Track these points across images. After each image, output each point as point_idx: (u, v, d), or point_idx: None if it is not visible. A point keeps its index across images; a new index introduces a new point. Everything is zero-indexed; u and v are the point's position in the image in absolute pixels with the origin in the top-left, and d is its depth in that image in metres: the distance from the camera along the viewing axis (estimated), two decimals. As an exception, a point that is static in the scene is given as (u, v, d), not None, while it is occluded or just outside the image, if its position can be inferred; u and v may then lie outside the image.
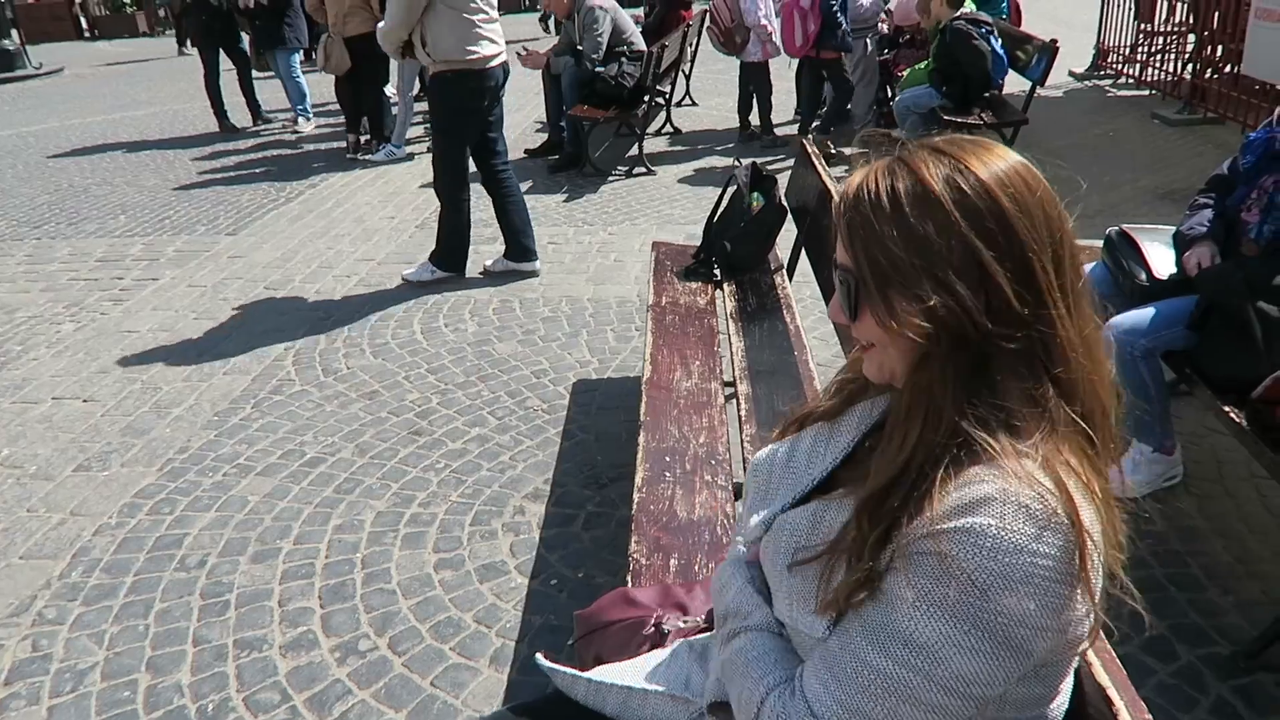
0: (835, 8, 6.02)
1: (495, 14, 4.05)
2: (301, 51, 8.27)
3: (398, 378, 3.53)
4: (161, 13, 20.53)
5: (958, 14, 5.46)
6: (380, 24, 4.21)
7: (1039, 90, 5.62)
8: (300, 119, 8.28)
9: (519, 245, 4.43)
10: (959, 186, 0.88)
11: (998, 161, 0.90)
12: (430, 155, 4.45)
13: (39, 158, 7.98)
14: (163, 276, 4.80)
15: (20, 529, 2.74)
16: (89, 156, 7.90)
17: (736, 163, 3.39)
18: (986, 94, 5.43)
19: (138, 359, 3.83)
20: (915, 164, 0.91)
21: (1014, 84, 5.79)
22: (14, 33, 14.55)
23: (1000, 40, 5.52)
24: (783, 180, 3.43)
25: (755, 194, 3.23)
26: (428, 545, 2.55)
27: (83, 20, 20.91)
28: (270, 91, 9.14)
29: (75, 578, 2.51)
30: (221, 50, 8.32)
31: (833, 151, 6.20)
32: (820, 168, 3.03)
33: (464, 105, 4.06)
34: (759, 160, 3.48)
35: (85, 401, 3.50)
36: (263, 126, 8.61)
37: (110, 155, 7.90)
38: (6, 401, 3.54)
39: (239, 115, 8.56)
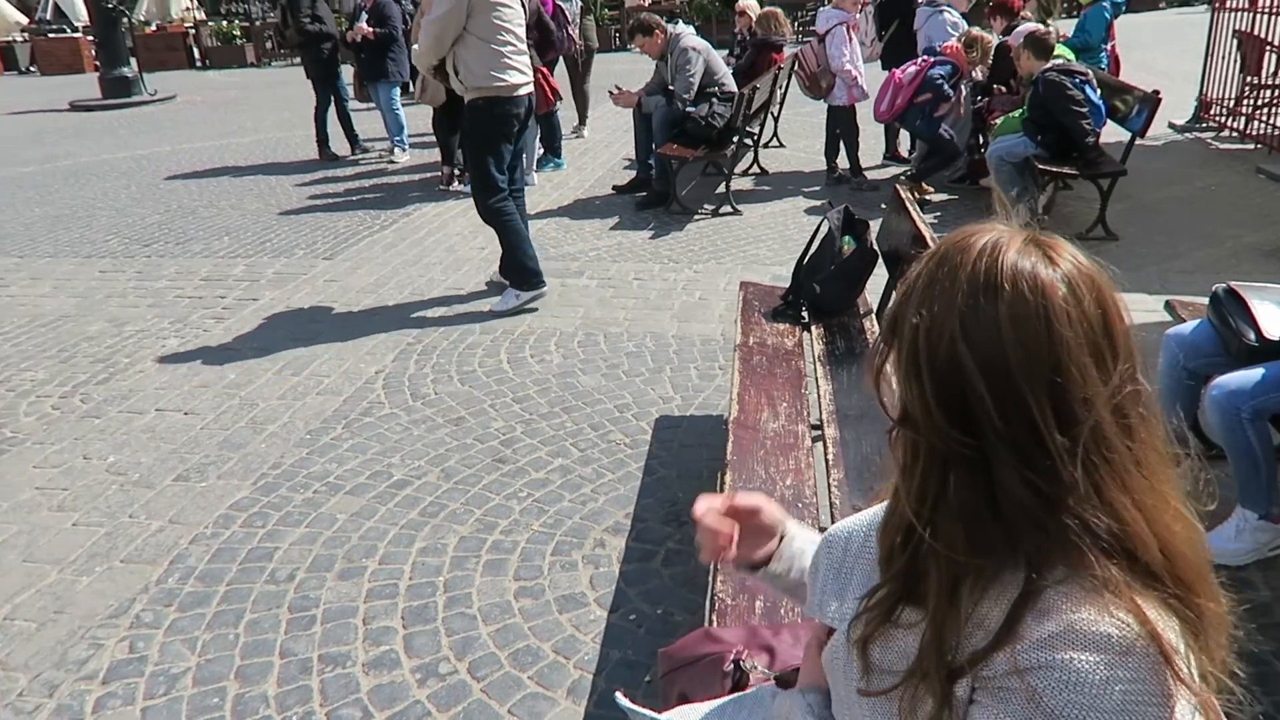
0: (938, 116, 6.01)
1: (524, 45, 4.35)
2: (401, 85, 8.57)
3: (484, 405, 3.59)
4: (269, 44, 21.47)
5: (1049, 65, 5.40)
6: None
7: (1138, 141, 5.50)
8: (397, 150, 8.55)
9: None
10: (960, 273, 0.81)
11: (1022, 258, 0.80)
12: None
13: (152, 179, 8.38)
14: (262, 297, 4.98)
15: (122, 534, 2.85)
16: (197, 180, 8.27)
17: (829, 206, 3.39)
18: (1083, 144, 5.32)
19: (236, 375, 3.97)
20: (946, 243, 0.86)
21: (1111, 134, 5.68)
22: (133, 61, 15.37)
23: (1099, 90, 5.43)
24: (874, 224, 3.42)
25: (847, 238, 3.22)
26: (509, 573, 2.57)
27: (195, 51, 21.98)
28: (369, 122, 9.47)
29: (172, 584, 2.60)
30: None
31: (928, 198, 6.14)
32: (914, 213, 3.01)
33: (496, 129, 4.33)
34: (850, 205, 3.47)
35: (186, 414, 3.64)
36: (360, 156, 8.91)
37: (217, 179, 8.26)
38: (114, 410, 3.70)
39: (338, 144, 8.88)
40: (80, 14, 20.91)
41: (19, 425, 3.63)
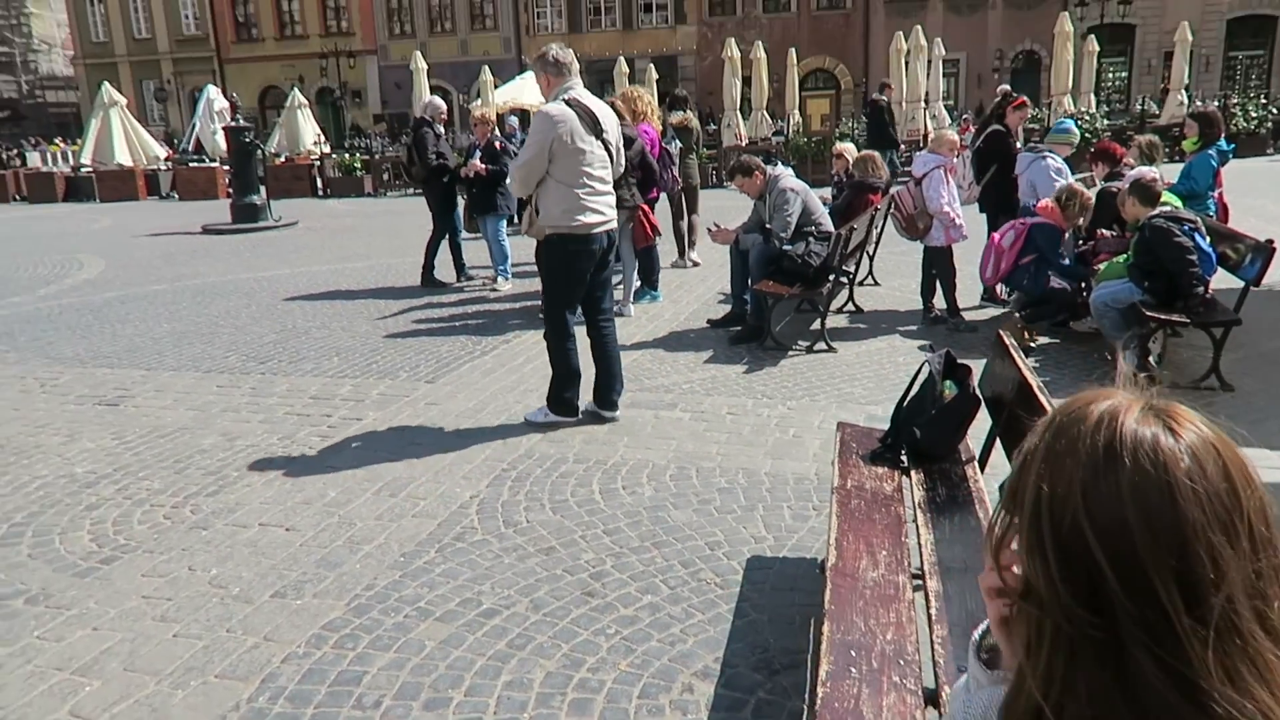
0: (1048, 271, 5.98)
1: (605, 186, 4.57)
2: (508, 217, 9.00)
3: (574, 536, 3.59)
4: (385, 175, 22.80)
5: (1156, 211, 5.34)
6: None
7: (1252, 289, 5.35)
8: (500, 279, 8.88)
9: (603, 395, 4.82)
10: (1079, 445, 0.79)
11: (1141, 427, 0.78)
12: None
13: (271, 300, 8.87)
14: (366, 417, 5.15)
15: (219, 648, 2.90)
16: (312, 301, 8.72)
17: (929, 349, 3.37)
18: (1192, 293, 5.20)
19: (337, 494, 4.08)
20: (1063, 412, 0.84)
21: (1224, 279, 5.54)
22: (262, 189, 16.51)
23: (1208, 238, 5.33)
24: (975, 365, 3.37)
25: (948, 382, 3.18)
26: (594, 713, 2.52)
27: (319, 180, 23.49)
28: (474, 251, 9.90)
29: (262, 703, 2.61)
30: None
31: (1033, 345, 6.01)
32: (1018, 360, 2.97)
33: (567, 265, 4.57)
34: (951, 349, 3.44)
35: (287, 530, 3.73)
36: (465, 283, 9.28)
37: (330, 301, 8.68)
38: (221, 523, 3.83)
39: (443, 273, 9.27)
40: (220, 146, 22.64)
41: (132, 533, 3.77)
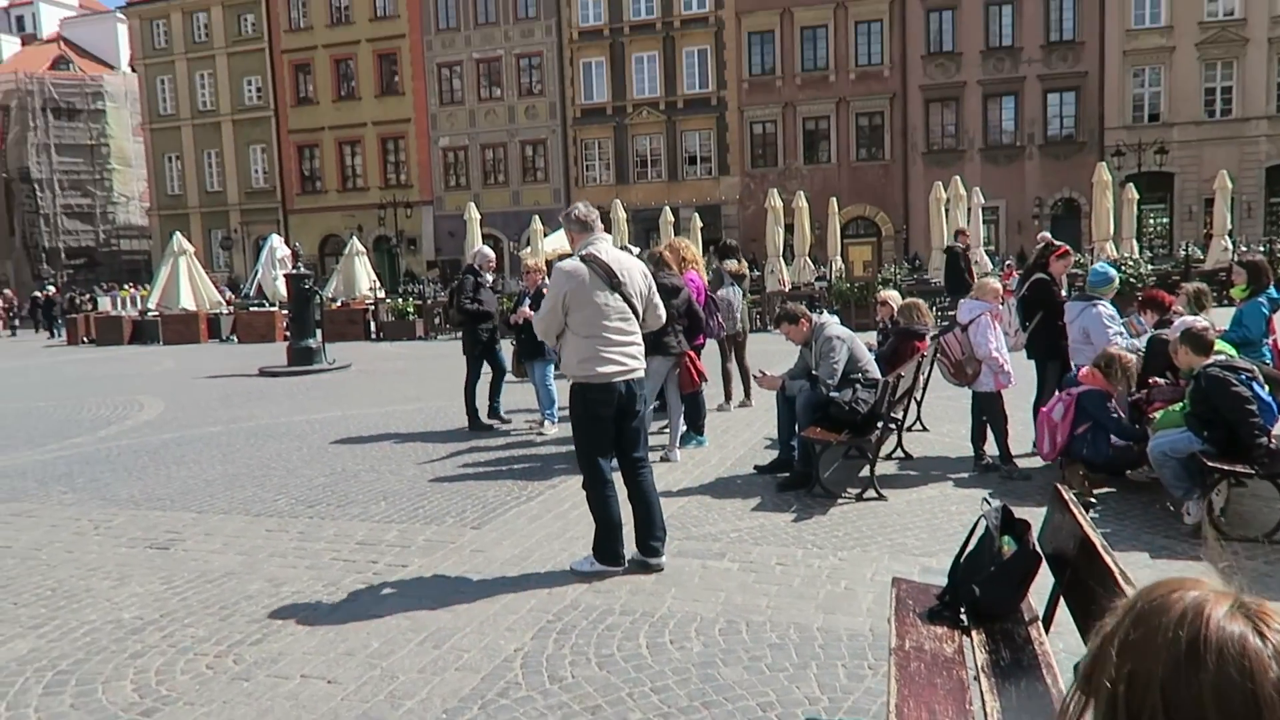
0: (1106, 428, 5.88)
1: (626, 336, 4.69)
2: (555, 362, 9.15)
3: (621, 693, 3.48)
4: (436, 319, 23.46)
5: (1211, 360, 5.28)
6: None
7: (1317, 440, 5.20)
8: (547, 422, 8.96)
9: (643, 542, 4.78)
10: (1159, 637, 0.78)
11: (1228, 625, 0.77)
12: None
13: (322, 442, 9.01)
14: (411, 564, 5.12)
15: (255, 810, 2.81)
16: (362, 444, 8.83)
17: (984, 502, 3.30)
18: (1255, 442, 5.07)
19: (380, 644, 4.02)
20: (1144, 599, 0.83)
21: (1286, 432, 5.40)
22: (318, 333, 17.04)
23: (1266, 387, 5.24)
24: (1030, 510, 3.28)
25: (1006, 537, 3.10)
26: None
27: (372, 324, 24.21)
28: (523, 395, 10.02)
29: None
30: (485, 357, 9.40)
31: (1094, 501, 5.82)
32: (1079, 516, 2.89)
33: (588, 412, 4.67)
34: (999, 497, 3.37)
35: (329, 683, 3.67)
36: (510, 427, 9.36)
37: (379, 444, 8.80)
38: (263, 674, 3.77)
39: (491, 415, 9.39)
40: (280, 292, 23.55)
41: (174, 683, 3.73)
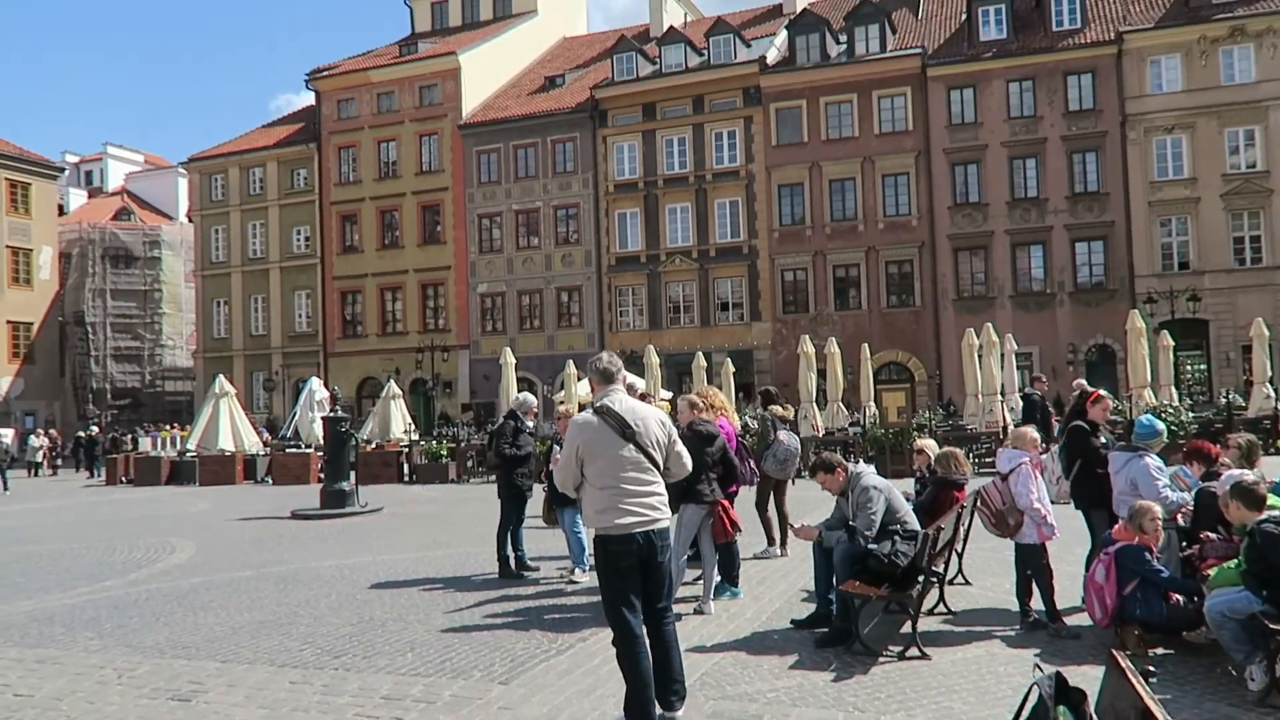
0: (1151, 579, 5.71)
1: (645, 486, 4.64)
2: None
3: None
4: (469, 463, 23.51)
5: (1266, 515, 5.12)
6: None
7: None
8: (578, 570, 8.81)
9: (661, 694, 4.65)
10: None
11: None
12: None
13: (351, 588, 8.89)
14: (436, 721, 4.95)
15: None
16: (390, 590, 8.71)
17: (1037, 668, 3.15)
18: (1318, 602, 4.84)
19: (402, 811, 3.83)
20: None
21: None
22: (352, 475, 17.10)
23: (1325, 543, 5.04)
24: (1084, 672, 3.12)
25: (1061, 708, 2.94)
26: None
27: (406, 466, 24.29)
28: (554, 542, 9.89)
29: None
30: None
31: (1153, 668, 5.46)
32: (1137, 686, 2.75)
33: (609, 564, 4.63)
34: (1048, 661, 3.22)
35: None
36: (540, 575, 9.21)
37: (408, 591, 8.67)
38: (278, 842, 3.60)
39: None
40: (317, 434, 23.83)
41: None
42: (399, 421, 27.33)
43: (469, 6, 47.72)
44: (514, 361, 25.86)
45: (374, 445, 26.09)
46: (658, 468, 4.77)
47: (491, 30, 44.72)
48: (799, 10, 39.09)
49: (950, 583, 7.70)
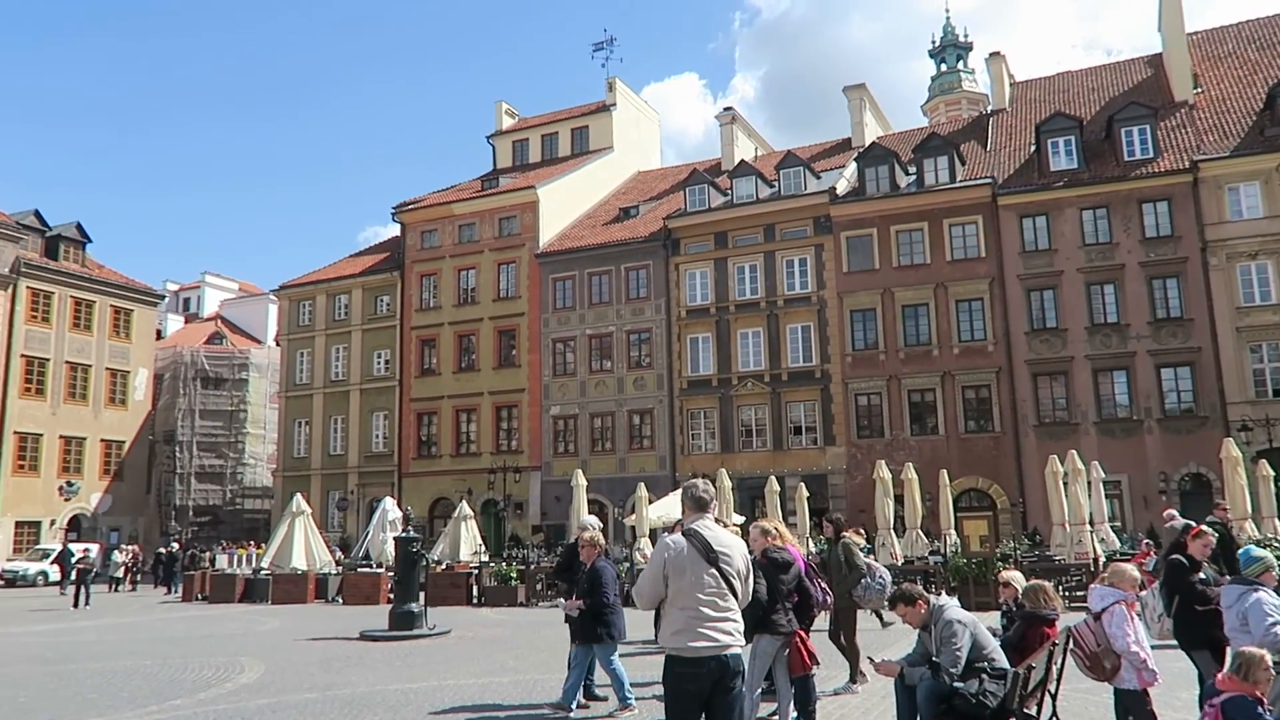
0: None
1: (722, 612, 4.66)
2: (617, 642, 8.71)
3: None
4: (539, 586, 23.24)
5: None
6: None
7: None
8: (625, 711, 8.43)
9: None
10: None
11: None
12: None
13: (415, 714, 8.72)
14: None
15: None
16: (455, 717, 8.50)
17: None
18: None
19: None
20: None
21: None
22: (421, 596, 17.01)
23: None
24: None
25: None
26: None
27: (475, 588, 24.11)
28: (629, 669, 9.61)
29: None
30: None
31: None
32: None
33: (677, 686, 4.62)
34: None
35: None
36: (593, 704, 8.92)
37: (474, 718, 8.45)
38: None
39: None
40: (388, 554, 23.92)
41: None
42: (470, 542, 27.29)
43: (548, 144, 49.95)
44: (585, 483, 25.81)
45: (444, 566, 26.03)
46: (736, 596, 4.78)
47: (569, 165, 46.60)
48: (868, 144, 39.94)
49: (1044, 727, 7.21)
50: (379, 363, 44.47)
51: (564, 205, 43.86)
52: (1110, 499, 26.65)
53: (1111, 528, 23.22)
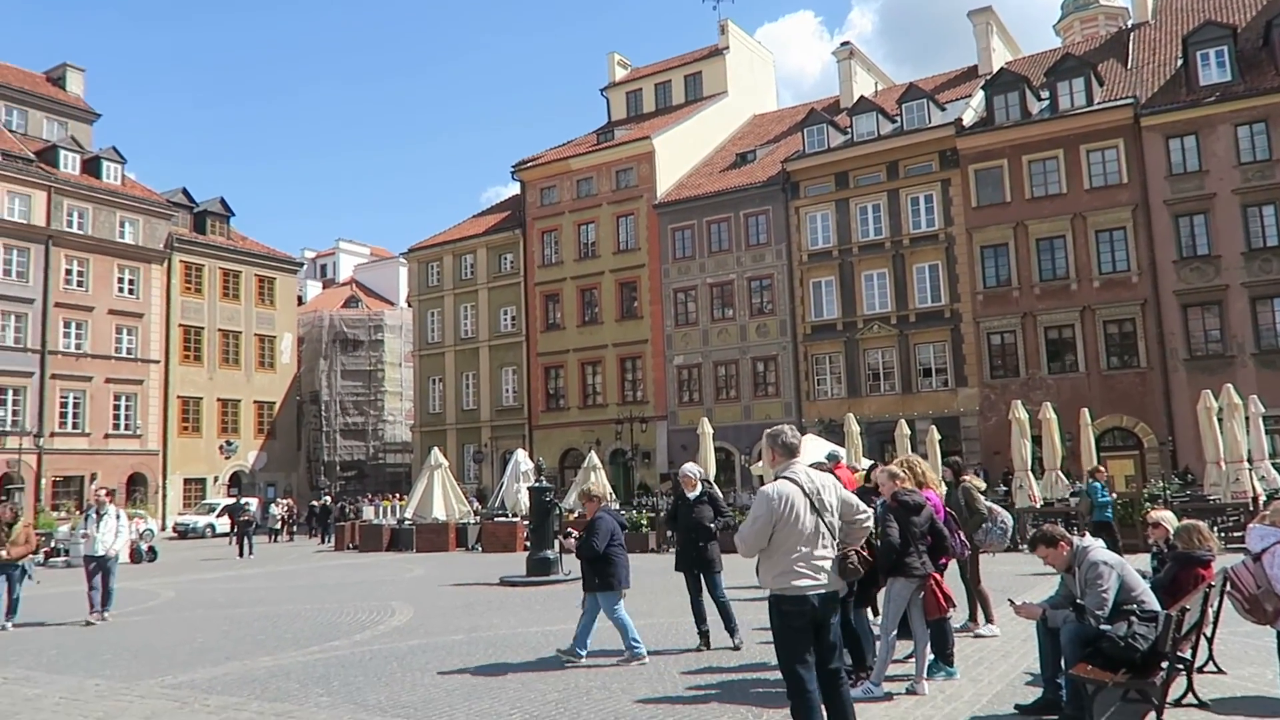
0: None
1: (821, 551, 4.90)
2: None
3: None
4: (669, 532, 23.58)
5: None
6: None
7: None
8: (635, 662, 8.55)
9: None
10: None
11: None
12: None
13: (555, 656, 9.05)
14: (642, 793, 4.90)
15: None
16: (593, 659, 8.79)
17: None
18: None
19: None
20: None
21: None
22: (556, 544, 17.54)
23: None
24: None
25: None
26: None
27: (606, 537, 24.67)
28: (752, 612, 9.70)
29: None
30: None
31: None
32: None
33: (784, 624, 4.88)
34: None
35: None
36: (746, 647, 9.03)
37: (610, 660, 8.71)
38: None
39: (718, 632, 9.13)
40: (522, 504, 24.70)
41: None
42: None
43: (662, 93, 49.52)
44: (711, 431, 25.92)
45: (576, 514, 26.70)
46: (833, 535, 5.01)
47: (684, 113, 46.13)
48: (995, 70, 37.98)
49: (1200, 670, 6.93)
50: (505, 319, 45.56)
51: (680, 154, 43.53)
52: (1271, 435, 24.98)
53: (1273, 465, 21.80)
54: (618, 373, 41.97)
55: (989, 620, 9.19)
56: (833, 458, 10.05)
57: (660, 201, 41.54)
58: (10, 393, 38.85)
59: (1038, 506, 20.61)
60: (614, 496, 28.90)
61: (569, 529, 9.22)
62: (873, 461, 12.61)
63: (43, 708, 7.54)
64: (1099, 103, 33.40)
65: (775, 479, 5.04)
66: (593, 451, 30.74)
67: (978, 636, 9.00)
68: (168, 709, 7.36)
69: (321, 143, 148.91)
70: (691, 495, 9.57)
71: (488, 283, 46.27)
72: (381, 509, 37.05)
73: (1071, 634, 5.84)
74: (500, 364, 45.47)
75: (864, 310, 36.33)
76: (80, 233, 41.76)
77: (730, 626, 9.06)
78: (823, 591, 4.88)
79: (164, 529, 40.27)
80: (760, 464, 25.64)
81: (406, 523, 28.22)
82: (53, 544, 27.37)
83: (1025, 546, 13.15)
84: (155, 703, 7.59)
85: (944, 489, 8.66)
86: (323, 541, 34.21)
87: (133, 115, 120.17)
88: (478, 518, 28.75)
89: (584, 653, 8.77)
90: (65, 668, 9.36)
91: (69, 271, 41.19)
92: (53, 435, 39.63)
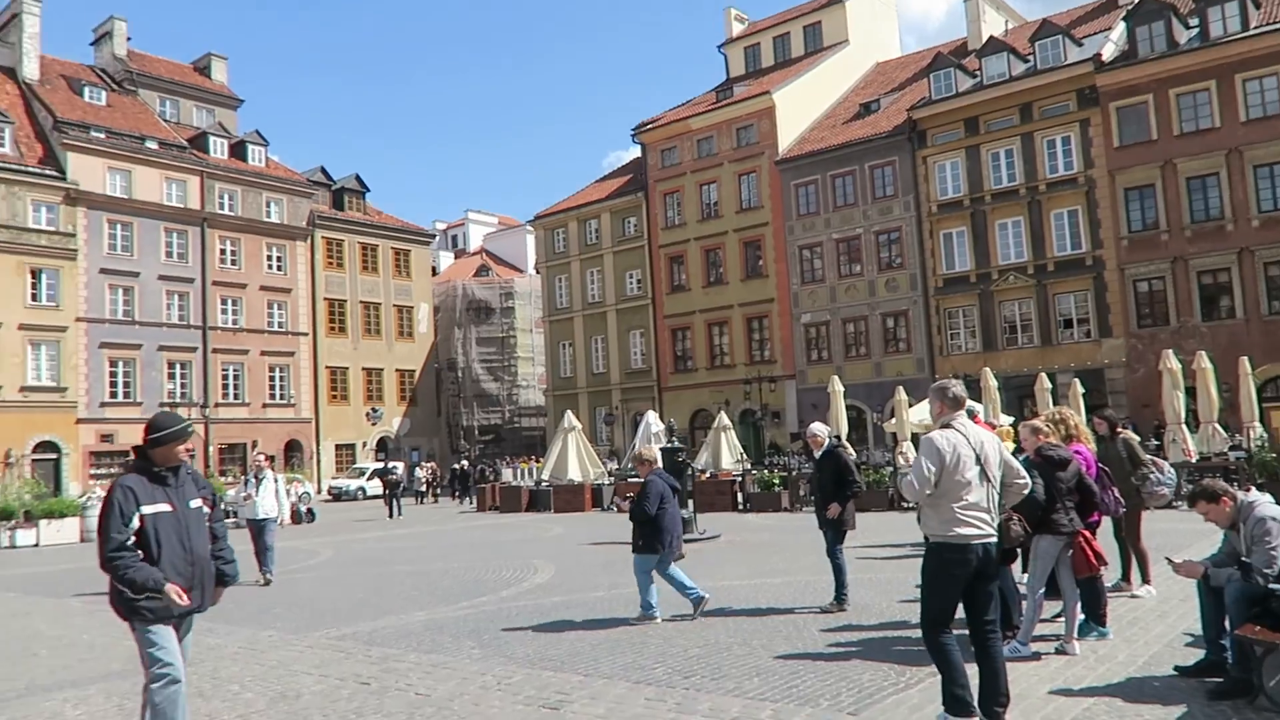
0: None
1: (984, 503, 4.99)
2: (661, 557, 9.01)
3: None
4: (801, 493, 23.53)
5: None
6: None
7: None
8: (647, 621, 8.77)
9: (984, 703, 4.89)
10: None
11: None
12: None
13: (694, 613, 9.23)
14: (788, 745, 4.99)
15: None
16: (733, 617, 8.93)
17: None
18: None
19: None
20: None
21: None
22: (690, 503, 17.76)
23: None
24: None
25: None
26: None
27: (739, 495, 24.80)
28: (890, 570, 9.61)
29: None
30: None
31: None
32: None
33: (942, 572, 4.99)
34: None
35: None
36: (888, 607, 8.99)
37: (749, 618, 8.84)
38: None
39: (861, 592, 9.09)
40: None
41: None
42: (731, 451, 28.00)
43: (780, 46, 48.50)
44: (841, 389, 25.58)
45: (708, 475, 26.93)
46: (996, 488, 5.09)
47: (804, 65, 45.10)
48: (1139, -3, 35.55)
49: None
50: (631, 282, 45.96)
51: (801, 108, 42.67)
52: None
53: None
54: (744, 332, 41.83)
55: (1145, 580, 8.82)
56: (970, 413, 9.79)
57: (782, 157, 40.89)
58: (179, 367, 41.83)
59: (1193, 461, 19.53)
60: (745, 456, 28.97)
61: (627, 493, 9.43)
62: (1013, 418, 12.22)
63: (224, 655, 8.21)
64: (1255, 27, 30.86)
65: (941, 429, 5.15)
66: (722, 412, 30.83)
67: (1133, 597, 8.68)
68: (334, 659, 7.90)
69: (448, 116, 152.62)
70: (817, 454, 9.54)
71: (612, 247, 46.72)
72: (519, 471, 38.26)
73: (1237, 593, 5.58)
74: (628, 327, 45.97)
75: (998, 261, 34.99)
76: (231, 214, 44.33)
77: (840, 594, 8.98)
78: (986, 541, 4.97)
79: (320, 492, 42.74)
80: (892, 422, 25.18)
81: (544, 484, 29.07)
82: (223, 506, 29.47)
83: (1180, 503, 12.52)
84: (323, 653, 8.17)
85: (1093, 444, 8.31)
86: (465, 503, 35.63)
87: (271, 99, 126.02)
88: (612, 478, 29.34)
89: (657, 613, 8.95)
90: (241, 620, 10.14)
91: (223, 251, 43.83)
92: (217, 406, 42.49)
